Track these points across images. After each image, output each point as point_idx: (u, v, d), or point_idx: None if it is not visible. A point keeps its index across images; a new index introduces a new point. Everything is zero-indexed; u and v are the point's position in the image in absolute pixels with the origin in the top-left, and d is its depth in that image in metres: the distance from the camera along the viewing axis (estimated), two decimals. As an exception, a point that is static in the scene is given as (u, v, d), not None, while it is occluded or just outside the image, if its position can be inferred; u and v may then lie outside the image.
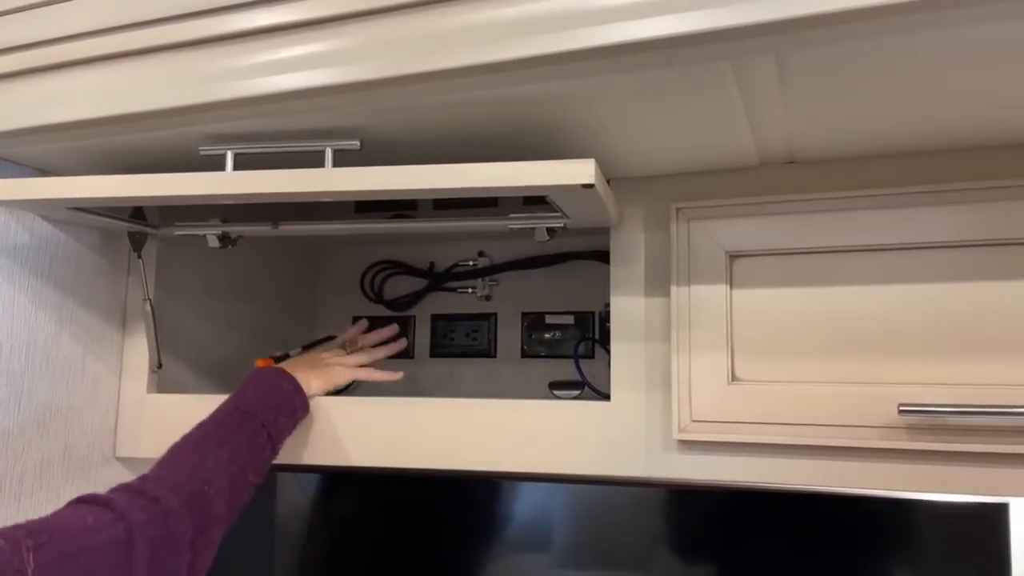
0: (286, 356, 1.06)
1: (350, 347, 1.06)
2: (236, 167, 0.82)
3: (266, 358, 1.04)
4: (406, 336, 1.29)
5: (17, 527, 0.62)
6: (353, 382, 1.17)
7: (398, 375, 1.04)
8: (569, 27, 0.61)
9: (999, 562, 0.80)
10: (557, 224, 0.87)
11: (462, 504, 1.02)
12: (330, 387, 0.98)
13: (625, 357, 0.88)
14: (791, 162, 0.86)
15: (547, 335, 1.22)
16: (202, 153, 0.83)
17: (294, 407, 0.91)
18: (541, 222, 0.88)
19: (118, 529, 0.67)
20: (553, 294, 1.24)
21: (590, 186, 0.70)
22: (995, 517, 0.80)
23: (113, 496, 0.70)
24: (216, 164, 0.82)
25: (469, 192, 0.74)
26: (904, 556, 0.83)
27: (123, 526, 0.67)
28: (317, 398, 0.96)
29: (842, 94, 0.69)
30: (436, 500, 1.04)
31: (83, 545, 0.63)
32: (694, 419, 0.83)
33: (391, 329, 1.12)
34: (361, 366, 1.03)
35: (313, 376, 0.95)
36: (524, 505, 0.99)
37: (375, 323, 1.17)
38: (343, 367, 1.01)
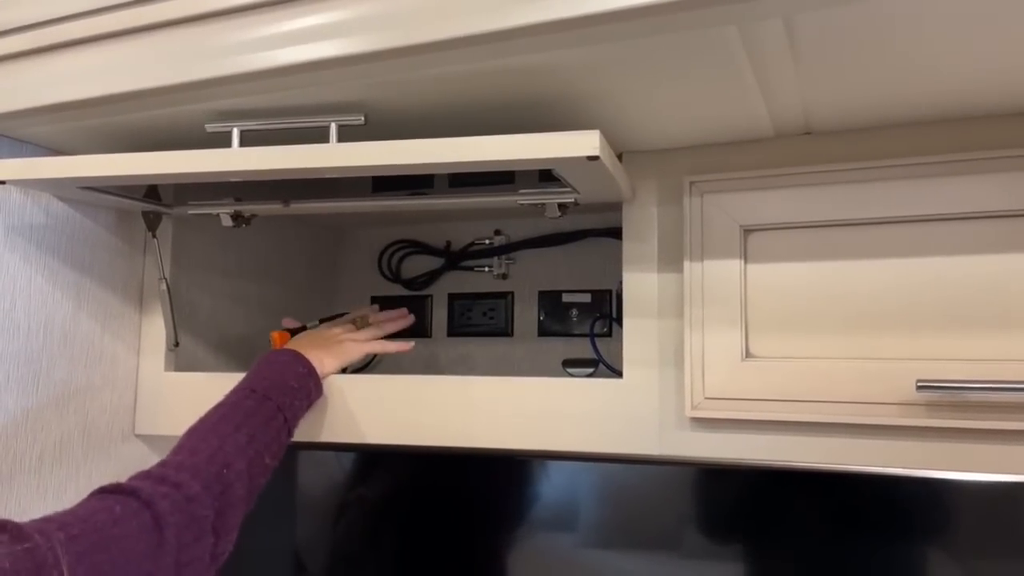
0: (303, 328, 1.05)
1: (360, 323, 1.05)
2: (242, 144, 0.82)
3: (281, 331, 1.04)
4: (423, 315, 1.30)
5: (47, 520, 0.62)
6: (372, 360, 1.18)
7: (410, 344, 1.03)
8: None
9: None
10: (567, 200, 0.86)
11: (475, 481, 1.02)
12: (343, 364, 0.97)
13: (638, 334, 0.87)
14: (807, 133, 0.83)
15: (564, 313, 1.21)
16: (209, 130, 0.83)
17: (308, 390, 0.91)
18: (551, 198, 0.86)
19: (146, 517, 0.66)
20: (570, 272, 1.22)
21: (595, 158, 0.68)
22: (1018, 496, 0.77)
23: (137, 484, 0.69)
24: (223, 141, 0.82)
25: (471, 166, 0.73)
26: (924, 536, 0.81)
27: (150, 514, 0.67)
28: (332, 376, 0.95)
29: (854, 60, 0.66)
30: (450, 477, 1.04)
31: (113, 535, 0.63)
32: (707, 396, 0.81)
33: (402, 312, 1.11)
34: (372, 340, 1.03)
35: (326, 356, 0.95)
36: (536, 482, 0.98)
37: (393, 302, 1.16)
38: (355, 342, 1.00)
